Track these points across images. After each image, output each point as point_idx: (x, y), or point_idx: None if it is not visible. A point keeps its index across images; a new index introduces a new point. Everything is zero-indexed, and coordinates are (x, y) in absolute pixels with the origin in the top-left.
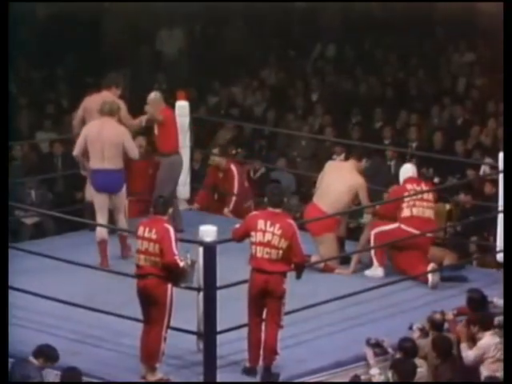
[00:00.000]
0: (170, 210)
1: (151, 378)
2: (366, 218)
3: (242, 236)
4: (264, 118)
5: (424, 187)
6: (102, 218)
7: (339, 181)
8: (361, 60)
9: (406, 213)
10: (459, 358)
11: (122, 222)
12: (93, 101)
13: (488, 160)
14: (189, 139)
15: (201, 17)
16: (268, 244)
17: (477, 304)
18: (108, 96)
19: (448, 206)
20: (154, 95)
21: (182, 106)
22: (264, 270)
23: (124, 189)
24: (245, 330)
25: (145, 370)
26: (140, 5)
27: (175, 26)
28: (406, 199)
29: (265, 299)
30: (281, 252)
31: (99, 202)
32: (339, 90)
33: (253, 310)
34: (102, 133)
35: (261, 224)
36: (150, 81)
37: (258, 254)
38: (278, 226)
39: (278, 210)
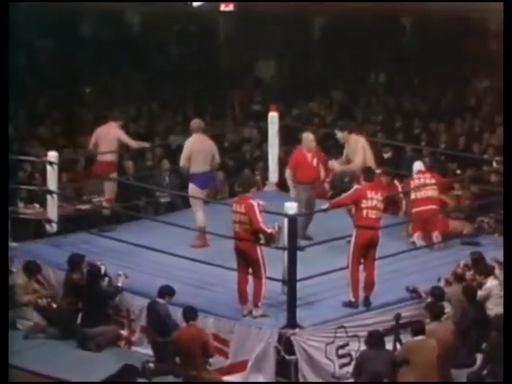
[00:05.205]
0: (253, 189)
1: (256, 313)
2: None
3: (352, 202)
4: (333, 124)
5: (429, 176)
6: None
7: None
8: (404, 84)
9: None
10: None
11: None
12: (102, 129)
13: (497, 158)
14: (278, 139)
15: (288, 51)
16: (375, 207)
17: (478, 261)
18: (113, 125)
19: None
20: (307, 136)
21: (273, 116)
22: (373, 226)
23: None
24: (318, 279)
25: (250, 308)
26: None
27: (269, 59)
28: (414, 185)
29: (368, 248)
30: (380, 212)
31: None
32: (388, 105)
33: (357, 257)
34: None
35: (369, 193)
36: (251, 98)
37: (369, 215)
38: (379, 193)
39: (373, 183)
